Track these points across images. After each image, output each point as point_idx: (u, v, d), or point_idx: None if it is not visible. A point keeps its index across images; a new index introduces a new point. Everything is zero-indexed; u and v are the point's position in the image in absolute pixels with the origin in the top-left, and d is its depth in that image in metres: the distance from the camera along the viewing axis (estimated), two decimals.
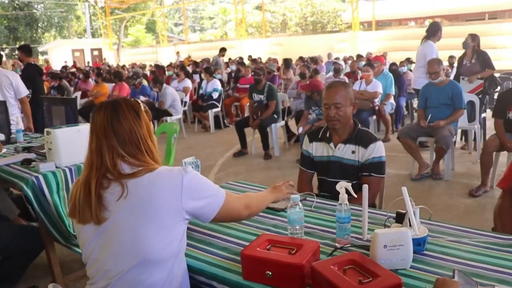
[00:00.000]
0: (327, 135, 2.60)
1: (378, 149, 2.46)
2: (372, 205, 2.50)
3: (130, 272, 1.44)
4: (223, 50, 13.21)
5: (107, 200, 1.45)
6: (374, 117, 7.01)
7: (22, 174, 2.72)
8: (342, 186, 1.67)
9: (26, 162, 2.91)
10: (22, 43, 33.56)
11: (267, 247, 1.52)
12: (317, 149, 2.64)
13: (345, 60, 12.24)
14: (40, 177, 2.65)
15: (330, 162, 2.56)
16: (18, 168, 2.86)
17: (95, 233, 1.48)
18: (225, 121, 9.36)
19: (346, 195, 1.66)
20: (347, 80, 7.90)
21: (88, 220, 1.46)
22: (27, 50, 6.25)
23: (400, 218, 1.66)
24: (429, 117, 5.04)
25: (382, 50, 15.86)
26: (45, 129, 2.85)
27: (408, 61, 9.66)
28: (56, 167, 2.77)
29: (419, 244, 1.59)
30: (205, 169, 6.09)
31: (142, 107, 1.58)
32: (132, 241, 1.43)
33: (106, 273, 1.47)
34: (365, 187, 1.58)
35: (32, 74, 6.20)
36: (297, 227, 1.67)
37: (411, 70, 8.86)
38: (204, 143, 7.84)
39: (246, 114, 8.21)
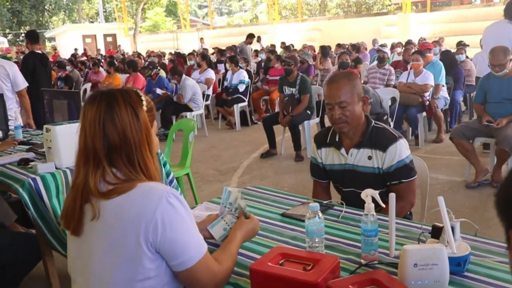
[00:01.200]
0: (336, 139, 2.49)
1: (400, 151, 2.35)
2: (406, 216, 2.46)
3: None
4: (250, 37, 13.27)
5: (85, 216, 1.45)
6: (424, 114, 6.90)
7: (18, 175, 2.82)
8: (368, 194, 1.67)
9: (23, 162, 3.02)
10: (27, 28, 34.51)
11: (280, 262, 1.53)
12: (327, 156, 2.55)
13: (392, 47, 12.06)
14: (38, 179, 2.74)
15: (344, 171, 2.48)
16: (14, 168, 2.97)
17: (76, 247, 1.51)
18: (252, 117, 9.42)
19: (372, 205, 1.66)
20: (393, 71, 7.82)
21: (70, 227, 1.49)
22: (32, 37, 6.45)
23: (436, 232, 1.65)
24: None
25: (437, 35, 15.55)
26: (45, 126, 2.95)
27: (463, 45, 9.44)
28: (56, 168, 2.86)
29: (458, 264, 1.57)
30: (228, 172, 6.16)
31: (144, 104, 1.50)
32: (103, 274, 1.42)
33: None
34: (392, 196, 1.57)
35: (31, 65, 6.38)
36: (316, 240, 1.68)
37: (469, 58, 8.67)
38: (228, 142, 7.93)
39: (277, 109, 8.24)
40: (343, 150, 2.47)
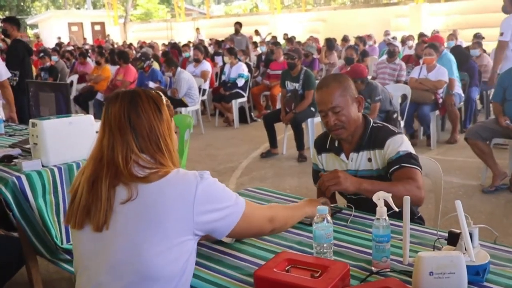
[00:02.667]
0: (336, 144, 2.50)
1: (397, 143, 2.32)
2: (412, 213, 2.45)
3: None
4: (239, 25, 13.17)
5: (116, 199, 1.54)
6: (437, 112, 6.92)
7: (0, 173, 2.82)
8: (380, 197, 1.68)
9: (7, 159, 3.02)
10: (7, 13, 34.37)
11: (286, 268, 1.55)
12: (328, 162, 2.56)
13: (403, 40, 12.08)
14: (23, 177, 2.74)
15: None
16: None
17: (89, 237, 1.57)
18: (252, 114, 9.44)
19: (385, 208, 1.67)
20: (403, 66, 7.84)
21: (87, 223, 1.56)
22: (17, 22, 6.47)
23: (453, 239, 1.66)
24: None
25: (452, 27, 15.58)
26: (30, 120, 2.95)
27: (478, 37, 9.44)
28: (43, 166, 2.87)
29: (477, 273, 1.58)
30: (226, 172, 6.18)
31: (164, 101, 1.67)
32: (131, 252, 1.51)
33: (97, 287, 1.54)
34: (407, 199, 1.58)
35: (21, 53, 6.40)
36: (325, 245, 1.69)
37: (486, 52, 8.68)
38: (226, 141, 7.95)
39: (278, 106, 8.26)
40: (343, 156, 2.47)
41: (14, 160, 3.01)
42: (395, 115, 6.03)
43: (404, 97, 6.67)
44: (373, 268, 1.69)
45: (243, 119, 9.12)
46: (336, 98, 2.34)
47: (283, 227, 1.88)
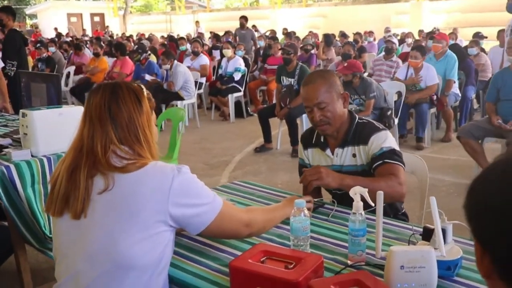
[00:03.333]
0: (321, 140, 2.54)
1: (381, 139, 2.36)
2: (401, 218, 2.50)
3: (101, 278, 1.55)
4: (244, 19, 13.15)
5: (94, 189, 1.58)
6: (433, 110, 6.95)
7: None
8: (357, 192, 1.72)
9: None
10: (5, 2, 34.25)
11: (262, 259, 1.59)
12: (314, 157, 2.60)
13: (402, 37, 12.10)
14: (12, 167, 2.77)
15: None
16: None
17: (68, 224, 1.61)
18: (248, 108, 9.46)
19: (361, 203, 1.71)
20: (400, 64, 7.86)
21: (65, 211, 1.60)
22: (12, 12, 6.49)
23: (427, 234, 1.70)
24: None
25: (452, 25, 15.60)
26: (21, 111, 2.99)
27: (480, 37, 9.47)
28: (32, 156, 2.90)
29: (448, 268, 1.62)
30: (219, 166, 6.22)
31: (145, 94, 1.72)
32: (107, 242, 1.55)
33: (75, 276, 1.58)
34: (380, 194, 1.62)
35: (18, 43, 6.42)
36: (301, 238, 1.73)
37: (484, 52, 8.70)
38: (221, 135, 7.99)
39: (275, 101, 8.28)
40: (328, 151, 2.51)
41: (4, 149, 3.05)
42: (389, 112, 6.07)
43: (399, 94, 6.70)
44: (348, 261, 1.73)
45: (239, 114, 9.14)
46: (321, 94, 2.37)
47: (261, 231, 1.88)
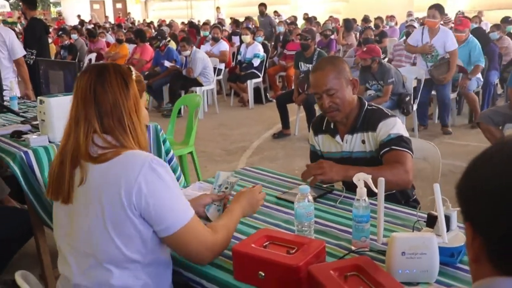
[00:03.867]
0: (331, 126, 2.54)
1: (390, 125, 2.35)
2: (411, 205, 2.50)
3: (87, 274, 1.57)
4: (264, 6, 13.11)
5: (75, 181, 1.58)
6: (453, 95, 6.85)
7: (9, 148, 2.93)
8: (360, 178, 1.73)
9: (16, 135, 3.13)
10: None
11: (264, 244, 1.61)
12: (324, 144, 2.60)
13: (423, 22, 11.89)
14: (30, 152, 2.84)
15: (342, 160, 2.49)
16: (6, 141, 3.08)
17: (63, 215, 1.64)
18: (267, 94, 9.47)
19: (364, 189, 1.72)
20: None
21: (59, 196, 1.62)
22: (30, 2, 6.56)
23: (431, 221, 1.70)
24: None
25: (477, 8, 15.28)
26: (39, 98, 3.05)
27: (509, 22, 9.24)
28: (50, 141, 2.97)
29: (452, 254, 1.63)
30: (237, 152, 6.26)
31: (134, 76, 1.67)
32: (86, 237, 1.56)
33: (67, 270, 1.62)
34: (381, 181, 1.63)
35: (38, 31, 6.51)
36: (305, 223, 1.75)
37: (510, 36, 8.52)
38: (240, 121, 8.02)
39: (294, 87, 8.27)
40: (338, 138, 2.52)
41: (23, 136, 3.12)
42: (407, 98, 6.01)
43: (419, 80, 6.61)
44: (352, 247, 1.75)
45: (258, 100, 9.15)
46: (330, 81, 2.37)
47: (224, 249, 1.69)
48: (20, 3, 6.56)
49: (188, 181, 4.13)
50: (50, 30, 12.71)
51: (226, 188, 1.91)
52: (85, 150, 1.55)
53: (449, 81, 6.42)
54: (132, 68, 1.70)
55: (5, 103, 4.16)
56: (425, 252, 1.52)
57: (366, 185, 1.75)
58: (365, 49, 6.23)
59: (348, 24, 10.65)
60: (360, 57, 6.10)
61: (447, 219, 1.66)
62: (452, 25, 11.08)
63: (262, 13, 12.86)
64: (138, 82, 1.68)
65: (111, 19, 27.40)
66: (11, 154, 2.86)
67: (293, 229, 1.87)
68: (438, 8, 6.27)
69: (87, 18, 25.36)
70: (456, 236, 1.69)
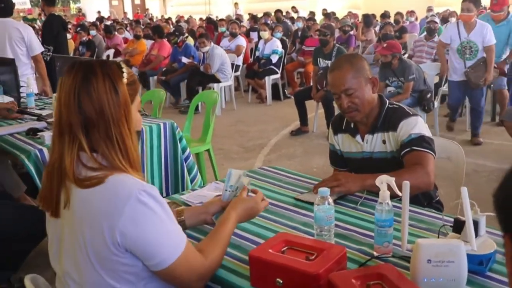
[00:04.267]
0: (351, 125, 2.46)
1: (411, 125, 2.26)
2: (436, 207, 2.42)
3: None
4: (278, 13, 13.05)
5: (61, 200, 1.45)
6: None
7: (25, 145, 2.92)
8: (383, 181, 1.65)
9: (32, 132, 3.10)
10: None
11: (282, 250, 1.54)
12: (344, 143, 2.52)
13: (445, 16, 11.70)
14: (45, 150, 2.83)
15: (363, 160, 2.43)
16: (22, 138, 3.07)
17: (53, 232, 1.53)
18: (285, 91, 9.39)
19: (388, 192, 1.65)
20: None
21: (48, 208, 1.49)
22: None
23: (458, 226, 1.62)
24: None
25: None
26: (54, 94, 3.02)
27: None
28: None
29: (481, 262, 1.55)
30: (254, 149, 6.20)
31: (125, 77, 1.47)
32: (73, 263, 1.45)
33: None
34: (405, 184, 1.55)
35: (55, 28, 6.52)
36: (325, 228, 1.68)
37: None
38: (257, 117, 7.95)
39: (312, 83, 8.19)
40: (358, 137, 2.43)
41: (39, 133, 3.10)
42: (428, 95, 5.87)
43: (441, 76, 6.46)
44: (374, 252, 1.67)
45: (276, 96, 9.08)
46: (348, 80, 2.28)
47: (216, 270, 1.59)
48: (40, 0, 6.56)
49: (205, 180, 4.07)
50: (69, 26, 12.81)
51: (237, 188, 1.79)
52: (70, 169, 1.39)
53: (487, 84, 5.91)
54: (124, 67, 1.50)
55: (21, 99, 4.14)
56: (452, 260, 1.44)
57: (389, 188, 1.67)
58: (385, 45, 6.11)
59: (368, 19, 10.50)
60: (381, 53, 5.98)
61: (475, 224, 1.57)
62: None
63: (279, 20, 12.79)
64: (130, 85, 1.48)
65: (130, 15, 27.51)
66: (25, 151, 2.85)
67: (312, 232, 1.80)
68: (472, 0, 5.80)
69: (106, 15, 25.51)
70: (485, 242, 1.61)
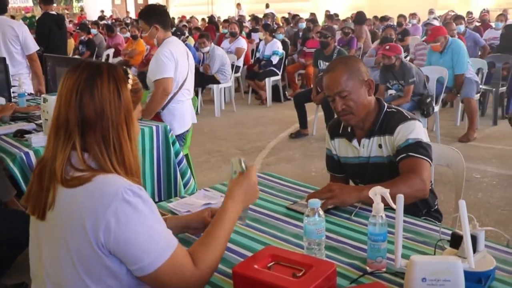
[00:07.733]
0: (348, 130, 2.37)
1: (408, 129, 2.19)
2: (435, 217, 2.33)
3: None
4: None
5: (48, 200, 1.40)
6: (477, 96, 6.57)
7: (10, 148, 2.83)
8: (377, 193, 1.56)
9: (19, 134, 3.02)
10: None
11: (269, 265, 1.46)
12: (341, 148, 2.44)
13: (445, 19, 11.59)
14: (31, 153, 2.74)
15: (359, 165, 2.35)
16: (9, 141, 2.98)
17: (35, 235, 1.47)
18: (286, 92, 9.30)
19: (381, 205, 1.55)
20: None
21: (35, 211, 1.43)
22: None
23: (455, 241, 1.54)
24: None
25: (504, 6, 14.90)
26: (42, 96, 2.94)
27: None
28: None
29: (479, 280, 1.46)
30: (253, 152, 6.11)
31: (130, 83, 1.45)
32: (55, 268, 1.40)
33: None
34: (400, 198, 1.45)
35: (46, 27, 6.42)
36: (316, 241, 1.59)
37: None
38: (257, 119, 7.87)
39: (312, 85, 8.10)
40: (355, 142, 2.35)
41: (26, 135, 3.01)
42: (428, 100, 5.75)
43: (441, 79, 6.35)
44: (367, 268, 1.58)
45: (276, 98, 9.00)
46: (342, 82, 2.19)
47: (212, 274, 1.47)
48: None
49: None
50: (71, 25, 12.74)
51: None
52: (59, 169, 1.35)
53: None
54: (130, 74, 1.47)
55: (13, 100, 4.05)
56: (448, 278, 1.35)
57: (383, 201, 1.58)
58: (388, 47, 6.01)
59: (359, 17, 10.28)
60: (385, 54, 5.86)
61: (474, 239, 1.48)
62: (477, 23, 10.86)
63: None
64: (134, 92, 1.45)
65: (132, 14, 27.44)
66: (11, 155, 2.77)
67: (302, 245, 1.71)
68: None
69: (109, 13, 25.44)
70: (483, 258, 1.52)
